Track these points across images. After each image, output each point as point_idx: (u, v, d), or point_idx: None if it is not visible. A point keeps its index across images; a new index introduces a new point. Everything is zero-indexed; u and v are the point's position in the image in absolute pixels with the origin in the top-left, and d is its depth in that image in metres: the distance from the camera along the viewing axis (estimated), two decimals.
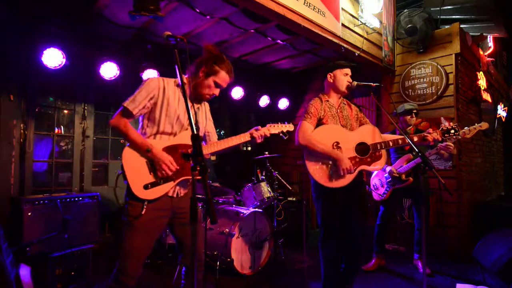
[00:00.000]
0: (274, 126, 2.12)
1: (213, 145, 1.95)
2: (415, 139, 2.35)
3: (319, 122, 2.36)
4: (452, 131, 2.36)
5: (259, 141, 2.00)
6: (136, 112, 1.74)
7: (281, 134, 2.12)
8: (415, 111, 3.31)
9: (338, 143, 2.29)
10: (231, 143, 1.96)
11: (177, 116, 1.81)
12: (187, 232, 1.84)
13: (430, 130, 2.39)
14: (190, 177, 1.79)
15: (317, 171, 2.28)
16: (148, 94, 1.76)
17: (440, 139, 2.38)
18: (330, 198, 2.30)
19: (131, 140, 1.73)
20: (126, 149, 1.73)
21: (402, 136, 2.28)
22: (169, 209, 1.80)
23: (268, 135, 2.05)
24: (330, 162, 2.26)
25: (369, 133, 2.37)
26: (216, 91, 1.92)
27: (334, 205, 2.30)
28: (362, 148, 2.32)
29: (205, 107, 2.05)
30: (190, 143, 1.76)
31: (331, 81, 2.45)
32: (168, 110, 1.78)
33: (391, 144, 2.32)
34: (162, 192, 1.73)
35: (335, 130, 2.34)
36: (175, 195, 1.82)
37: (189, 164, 1.78)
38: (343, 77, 2.41)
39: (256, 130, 2.01)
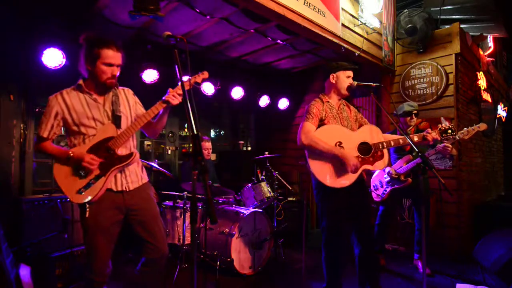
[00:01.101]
0: (185, 81, 1.99)
1: (125, 132, 1.87)
2: (416, 139, 2.36)
3: (321, 123, 2.36)
4: (449, 131, 2.40)
5: (174, 102, 1.90)
6: (46, 134, 1.81)
7: (196, 85, 2.02)
8: (415, 112, 3.31)
9: (340, 142, 2.30)
10: (141, 122, 1.89)
11: (92, 117, 1.83)
12: (142, 228, 1.89)
13: (429, 130, 2.40)
14: (118, 166, 1.82)
15: (320, 171, 2.27)
16: (50, 114, 1.80)
17: (439, 138, 2.41)
18: (333, 198, 2.30)
19: (53, 155, 1.81)
20: (55, 165, 1.80)
21: (403, 136, 2.28)
22: (120, 206, 1.84)
23: (181, 92, 1.92)
24: (333, 162, 2.26)
25: (370, 133, 2.38)
26: (114, 70, 1.84)
27: (338, 205, 2.30)
28: (364, 148, 2.33)
29: (124, 93, 2.01)
30: (109, 135, 1.83)
31: (334, 82, 2.45)
32: (80, 117, 1.81)
33: (392, 143, 2.33)
34: (96, 190, 1.77)
35: (337, 130, 2.34)
36: (121, 188, 1.85)
37: (114, 154, 1.82)
38: (345, 79, 2.42)
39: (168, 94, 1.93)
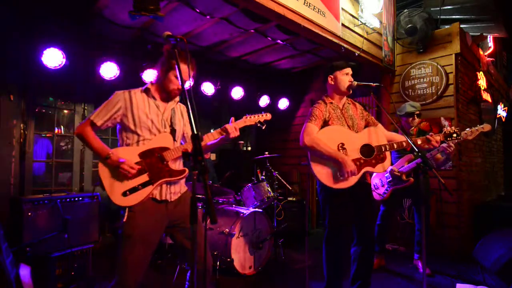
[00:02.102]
0: (250, 117, 2.06)
1: (183, 146, 1.88)
2: (419, 142, 2.35)
3: (325, 124, 2.36)
4: (454, 135, 2.37)
5: (233, 135, 1.93)
6: (100, 123, 1.77)
7: (258, 125, 2.09)
8: (417, 112, 3.30)
9: (343, 144, 2.30)
10: (203, 142, 1.92)
11: (151, 120, 1.82)
12: (185, 238, 1.84)
13: (433, 134, 2.39)
14: (169, 179, 1.80)
15: (322, 172, 2.27)
16: (114, 106, 1.79)
17: (443, 139, 2.39)
18: (336, 198, 2.30)
19: (92, 148, 1.76)
20: (101, 163, 1.75)
21: (406, 139, 2.28)
22: (163, 216, 1.80)
23: (241, 126, 1.98)
24: (334, 164, 2.25)
25: (374, 135, 2.38)
26: (180, 85, 1.84)
27: (341, 205, 2.30)
28: (367, 150, 2.33)
29: (180, 109, 2.02)
30: (165, 145, 1.81)
31: (332, 83, 2.45)
32: (141, 118, 1.79)
33: (395, 146, 2.32)
34: (142, 196, 1.72)
35: (340, 132, 2.34)
36: (163, 198, 1.80)
37: (166, 166, 1.80)
38: (344, 77, 2.41)
39: (230, 123, 1.96)
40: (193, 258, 1.40)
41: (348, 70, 2.43)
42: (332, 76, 2.44)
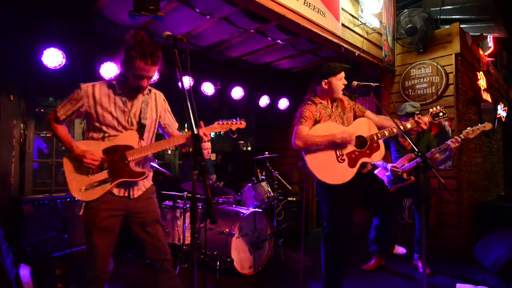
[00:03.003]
0: (222, 123, 1.96)
1: (146, 148, 1.84)
2: (408, 125, 2.39)
3: (316, 124, 2.37)
4: (441, 114, 2.42)
5: (204, 139, 1.83)
6: (63, 118, 1.80)
7: (229, 133, 2.00)
8: (417, 112, 3.30)
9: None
10: (164, 146, 1.88)
11: (116, 118, 1.81)
12: (141, 229, 1.87)
13: (420, 116, 2.42)
14: (128, 179, 1.80)
15: (318, 169, 2.27)
16: (76, 102, 1.79)
17: (431, 120, 2.44)
18: (335, 193, 2.29)
19: (61, 140, 1.80)
20: (66, 157, 1.78)
21: (394, 125, 2.31)
22: (122, 208, 1.83)
23: (209, 134, 1.88)
24: (330, 158, 2.26)
25: (364, 126, 2.41)
26: (143, 82, 1.79)
27: (340, 200, 2.29)
28: (360, 141, 2.34)
29: (155, 98, 1.96)
30: (129, 143, 1.80)
31: (326, 87, 2.43)
32: (105, 117, 1.79)
33: (386, 133, 2.35)
34: (99, 193, 1.75)
35: (331, 126, 2.35)
36: (122, 195, 1.83)
37: (127, 166, 1.79)
38: (339, 82, 2.40)
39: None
40: (193, 257, 1.40)
41: (342, 75, 2.43)
42: (326, 81, 2.42)
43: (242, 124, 2.01)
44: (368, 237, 3.40)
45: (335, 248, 2.32)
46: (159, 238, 1.89)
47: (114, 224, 1.81)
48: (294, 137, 2.31)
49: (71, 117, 1.81)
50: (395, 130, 2.32)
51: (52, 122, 1.81)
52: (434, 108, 2.44)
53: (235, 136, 2.01)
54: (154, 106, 1.95)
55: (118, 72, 1.86)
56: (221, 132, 6.33)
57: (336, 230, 2.31)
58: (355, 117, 2.51)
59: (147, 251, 1.90)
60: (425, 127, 2.37)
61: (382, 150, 2.39)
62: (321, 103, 2.43)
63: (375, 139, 2.33)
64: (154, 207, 1.95)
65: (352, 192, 2.30)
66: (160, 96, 2.01)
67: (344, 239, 2.32)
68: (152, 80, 3.80)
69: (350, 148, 2.31)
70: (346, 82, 2.42)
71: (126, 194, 1.84)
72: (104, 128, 1.79)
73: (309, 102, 2.45)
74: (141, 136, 1.86)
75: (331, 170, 2.26)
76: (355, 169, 2.27)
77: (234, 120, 1.99)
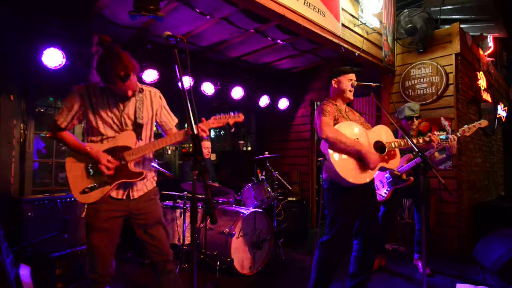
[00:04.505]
0: (218, 118, 1.91)
1: (144, 148, 1.82)
2: (420, 141, 2.43)
3: (335, 123, 2.38)
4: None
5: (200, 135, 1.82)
6: (65, 125, 1.78)
7: (226, 126, 1.95)
8: (417, 115, 3.30)
9: (358, 139, 2.31)
10: (162, 144, 1.85)
11: (111, 119, 1.80)
12: (143, 231, 1.87)
13: (434, 134, 2.49)
14: (127, 180, 1.79)
15: (343, 168, 2.20)
16: (72, 106, 1.77)
17: (439, 140, 2.50)
18: (349, 195, 2.28)
19: (70, 146, 1.78)
20: (68, 158, 1.78)
21: (409, 139, 2.30)
22: (123, 209, 1.82)
23: (207, 129, 1.87)
24: (355, 158, 2.25)
25: (383, 133, 2.44)
26: (127, 93, 1.76)
27: (353, 202, 2.28)
28: (379, 146, 2.36)
29: (150, 96, 1.94)
30: (127, 144, 1.79)
31: (336, 86, 2.47)
32: (102, 117, 1.78)
33: (402, 144, 2.37)
34: (99, 195, 1.75)
35: (354, 127, 2.35)
36: (124, 197, 1.82)
37: (126, 166, 1.79)
38: (347, 82, 2.43)
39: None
40: (193, 257, 1.40)
41: (352, 76, 2.45)
42: (336, 80, 2.47)
43: (240, 118, 1.95)
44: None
45: (332, 255, 2.29)
46: (161, 240, 1.89)
47: (115, 225, 1.81)
48: (320, 127, 2.26)
49: (72, 122, 1.79)
50: (409, 143, 2.31)
51: (56, 132, 1.79)
52: (446, 124, 2.51)
53: (233, 130, 1.97)
54: (150, 104, 1.94)
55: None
56: (222, 132, 6.34)
57: (336, 239, 2.29)
58: None
59: (148, 253, 1.90)
60: (436, 145, 2.49)
61: (398, 159, 2.41)
62: (336, 105, 2.45)
63: (393, 146, 2.36)
64: (156, 208, 1.94)
65: (358, 203, 2.30)
66: (155, 93, 1.99)
67: (345, 246, 2.32)
68: (151, 80, 3.81)
69: (372, 151, 2.31)
70: (355, 84, 2.43)
71: (125, 197, 1.83)
72: (101, 130, 1.79)
73: (326, 102, 2.46)
74: (138, 136, 1.85)
75: (356, 170, 2.24)
76: (374, 172, 2.28)
77: (232, 114, 1.94)
